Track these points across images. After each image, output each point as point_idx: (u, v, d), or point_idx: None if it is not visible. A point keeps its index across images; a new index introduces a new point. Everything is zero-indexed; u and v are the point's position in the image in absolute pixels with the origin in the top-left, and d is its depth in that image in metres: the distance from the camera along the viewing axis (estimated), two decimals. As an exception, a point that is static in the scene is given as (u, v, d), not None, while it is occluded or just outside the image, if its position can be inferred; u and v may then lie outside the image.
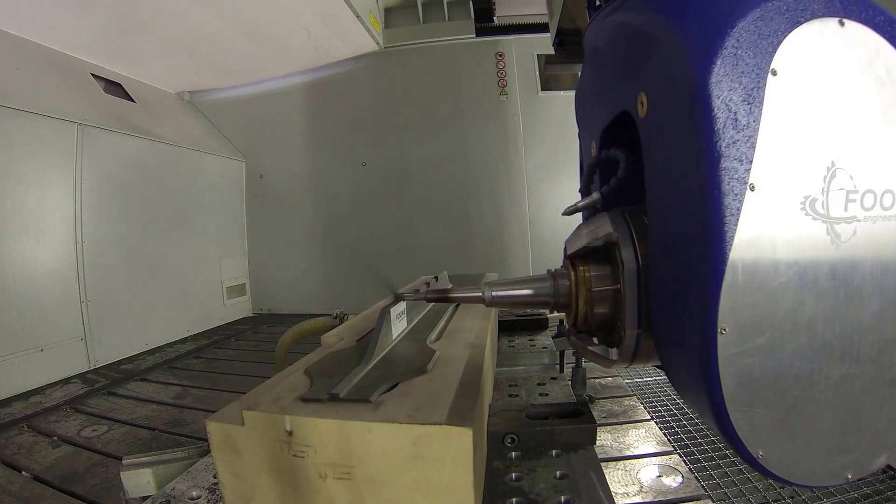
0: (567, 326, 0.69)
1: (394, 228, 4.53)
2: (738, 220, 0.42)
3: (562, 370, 1.24)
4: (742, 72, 0.43)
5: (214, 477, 0.80)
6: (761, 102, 0.43)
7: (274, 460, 0.58)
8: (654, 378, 2.53)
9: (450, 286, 1.47)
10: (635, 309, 0.56)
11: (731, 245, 0.42)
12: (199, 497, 0.76)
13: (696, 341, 0.45)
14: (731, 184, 0.42)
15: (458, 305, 1.22)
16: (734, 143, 0.43)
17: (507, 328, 1.55)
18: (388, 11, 4.45)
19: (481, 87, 4.28)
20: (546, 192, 4.16)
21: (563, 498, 0.65)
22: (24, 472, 1.76)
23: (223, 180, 4.73)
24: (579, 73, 0.83)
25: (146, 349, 3.53)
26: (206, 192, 4.43)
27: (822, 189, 0.44)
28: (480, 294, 0.65)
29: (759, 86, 0.43)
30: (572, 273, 0.62)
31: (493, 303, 0.66)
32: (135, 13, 3.26)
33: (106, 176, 3.35)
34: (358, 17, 3.75)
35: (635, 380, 2.56)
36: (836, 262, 0.45)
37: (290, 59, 4.37)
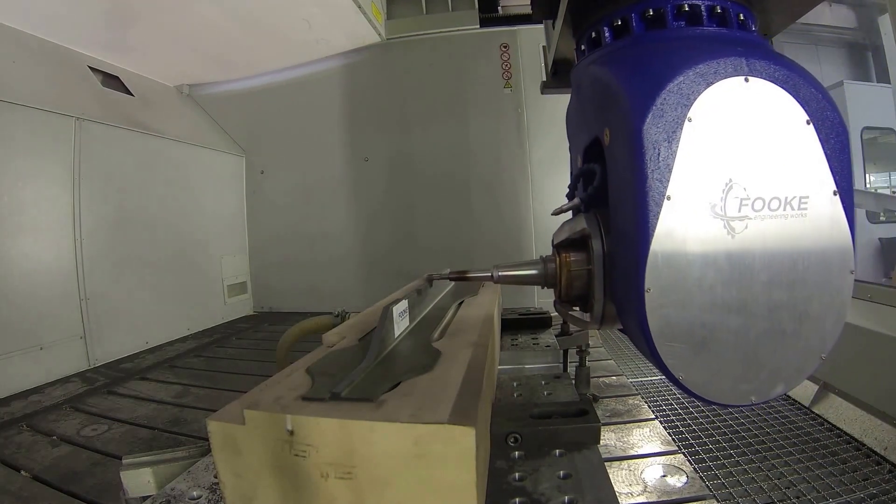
0: (554, 298, 0.86)
1: (396, 223, 4.50)
2: (658, 218, 0.61)
3: (565, 369, 1.24)
4: (666, 121, 0.61)
5: (215, 477, 0.80)
6: (678, 141, 0.61)
7: (275, 460, 0.58)
8: (658, 377, 2.53)
9: (452, 284, 1.51)
10: (601, 283, 0.75)
11: (654, 235, 0.61)
12: (199, 497, 0.76)
13: (633, 298, 0.64)
14: (654, 195, 0.61)
15: (460, 304, 1.22)
16: (657, 168, 0.61)
17: (510, 327, 1.55)
18: (391, 2, 4.40)
19: (485, 80, 4.21)
20: (550, 187, 4.11)
21: (566, 498, 0.64)
22: (23, 472, 1.75)
23: (223, 176, 4.71)
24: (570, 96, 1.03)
25: (146, 348, 3.52)
26: (205, 188, 4.42)
27: (721, 197, 0.62)
28: (490, 274, 0.85)
29: (678, 129, 0.61)
30: (558, 258, 0.81)
31: (498, 280, 0.85)
32: (133, 4, 3.23)
33: (104, 171, 3.33)
34: (360, 7, 3.71)
35: (640, 379, 2.56)
36: (732, 246, 0.62)
37: (290, 51, 4.33)
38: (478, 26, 4.22)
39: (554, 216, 0.90)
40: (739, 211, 0.61)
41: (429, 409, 0.56)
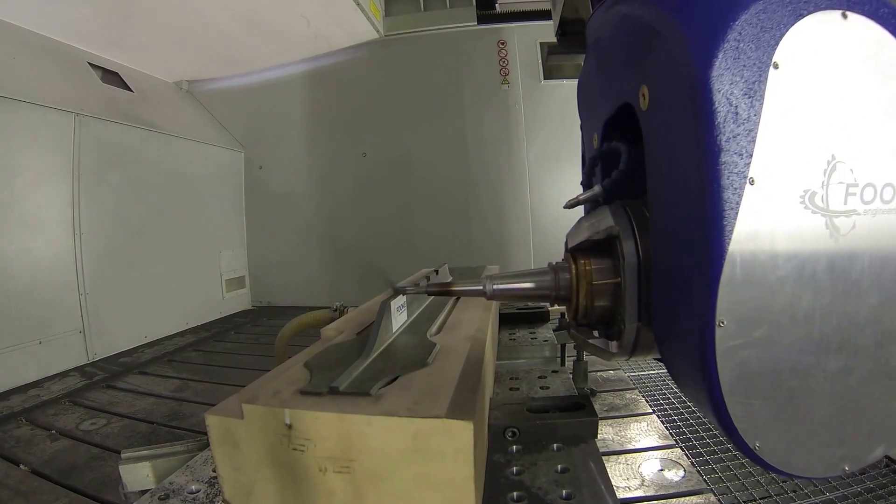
0: (568, 319, 0.68)
1: (394, 219, 4.50)
2: (737, 213, 0.42)
3: (563, 363, 1.24)
4: (744, 65, 0.42)
5: (214, 470, 0.80)
6: (762, 96, 0.42)
7: (273, 454, 0.58)
8: (656, 371, 2.54)
9: (450, 279, 1.48)
10: (636, 302, 0.55)
11: (730, 239, 0.42)
12: (198, 491, 0.76)
13: (695, 334, 0.45)
14: (731, 178, 0.42)
15: (458, 298, 1.21)
16: (734, 137, 0.42)
17: (508, 321, 1.55)
18: (389, -1, 4.41)
19: (483, 76, 4.22)
20: (548, 183, 4.12)
21: (564, 492, 0.64)
22: (22, 466, 1.76)
23: (222, 171, 4.70)
24: (582, 64, 0.82)
25: (145, 342, 3.52)
26: (204, 184, 4.41)
27: (822, 183, 0.44)
28: (481, 288, 0.65)
29: (761, 79, 0.42)
30: (573, 266, 0.62)
31: (493, 296, 0.65)
32: (132, 1, 3.22)
33: (103, 167, 3.33)
34: (358, 4, 3.72)
35: (637, 373, 2.56)
36: (835, 255, 0.44)
37: (289, 47, 4.33)
38: (475, 23, 4.22)
39: (567, 209, 0.73)
40: (845, 203, 0.44)
41: (427, 403, 0.56)
